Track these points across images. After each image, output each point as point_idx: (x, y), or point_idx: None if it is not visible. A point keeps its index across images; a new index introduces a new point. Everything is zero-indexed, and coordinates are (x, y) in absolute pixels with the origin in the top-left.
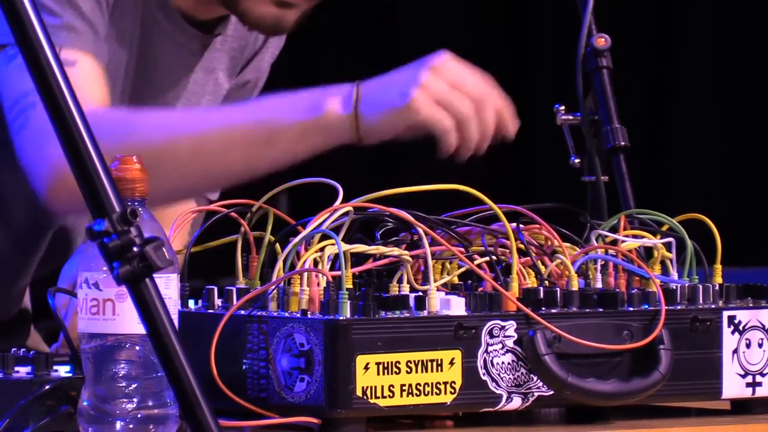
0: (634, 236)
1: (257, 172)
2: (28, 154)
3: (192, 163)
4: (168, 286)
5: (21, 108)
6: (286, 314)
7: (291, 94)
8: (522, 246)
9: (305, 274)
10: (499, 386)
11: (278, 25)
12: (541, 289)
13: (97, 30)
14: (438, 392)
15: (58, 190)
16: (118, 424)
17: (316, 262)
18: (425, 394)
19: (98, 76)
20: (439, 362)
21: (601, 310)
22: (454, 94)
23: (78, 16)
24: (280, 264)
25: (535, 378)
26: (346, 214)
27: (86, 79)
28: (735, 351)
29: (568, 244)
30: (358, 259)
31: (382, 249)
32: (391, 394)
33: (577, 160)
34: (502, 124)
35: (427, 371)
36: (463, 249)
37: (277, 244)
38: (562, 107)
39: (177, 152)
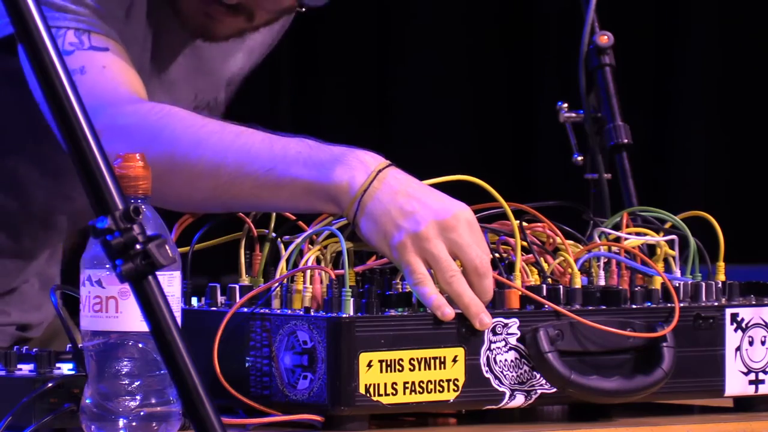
0: (637, 234)
1: (263, 210)
2: None
3: (204, 182)
4: (171, 283)
5: None
6: (289, 312)
7: (313, 148)
8: (525, 243)
9: (308, 272)
10: (502, 384)
11: (205, 30)
12: (544, 286)
13: (121, 21)
14: (441, 390)
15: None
16: (121, 422)
17: (319, 260)
18: (428, 392)
19: (129, 64)
20: (442, 360)
21: (604, 307)
22: (440, 263)
23: (104, 5)
24: (283, 262)
25: (538, 375)
26: None
27: (120, 66)
28: (738, 348)
29: (571, 242)
30: (361, 256)
31: None
32: (394, 392)
33: (579, 158)
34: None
35: (430, 369)
36: None
37: (280, 242)
38: (565, 105)
39: (193, 169)
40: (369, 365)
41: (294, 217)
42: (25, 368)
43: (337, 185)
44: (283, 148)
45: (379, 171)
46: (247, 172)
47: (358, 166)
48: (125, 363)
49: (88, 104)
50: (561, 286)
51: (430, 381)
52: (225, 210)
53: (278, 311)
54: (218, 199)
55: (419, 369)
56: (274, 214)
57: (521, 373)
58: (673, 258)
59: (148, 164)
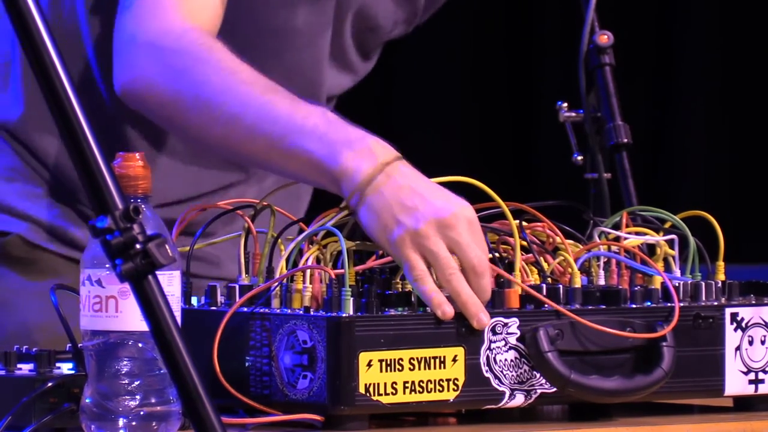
0: (637, 233)
1: (274, 173)
2: (120, 38)
3: (220, 129)
4: (171, 283)
5: None
6: (289, 311)
7: (331, 123)
8: (525, 243)
9: (308, 271)
10: (502, 383)
11: None
12: (544, 286)
13: None
14: (441, 389)
15: (128, 97)
16: (121, 421)
17: (318, 260)
18: (428, 391)
19: (218, 2)
20: (442, 359)
21: (604, 307)
22: (439, 260)
23: None
24: (283, 261)
25: (537, 375)
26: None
27: None
28: (738, 348)
29: (570, 242)
30: (361, 256)
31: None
32: (393, 391)
33: (579, 158)
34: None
35: (429, 368)
36: None
37: (280, 242)
38: (565, 104)
39: (212, 113)
40: (369, 365)
41: (294, 218)
42: (25, 368)
43: (343, 171)
44: (303, 118)
45: (387, 164)
46: (262, 132)
47: (367, 156)
48: (125, 362)
49: (147, 9)
50: (561, 286)
51: (429, 380)
52: (240, 161)
53: (278, 311)
54: (233, 148)
55: (419, 368)
56: (274, 214)
57: (521, 373)
58: (673, 258)
59: (147, 164)
